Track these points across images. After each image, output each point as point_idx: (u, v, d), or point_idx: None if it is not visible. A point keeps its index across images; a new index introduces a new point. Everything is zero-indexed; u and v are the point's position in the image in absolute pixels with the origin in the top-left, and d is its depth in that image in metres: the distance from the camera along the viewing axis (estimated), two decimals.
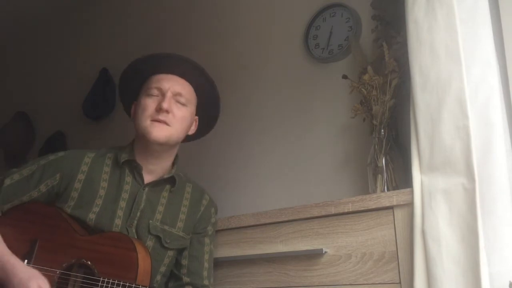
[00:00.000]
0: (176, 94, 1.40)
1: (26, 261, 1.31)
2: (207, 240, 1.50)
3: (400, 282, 1.20)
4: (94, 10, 2.93)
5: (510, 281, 1.06)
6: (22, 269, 1.24)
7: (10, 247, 1.30)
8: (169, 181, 1.46)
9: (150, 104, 1.39)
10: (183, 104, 1.42)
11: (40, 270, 1.28)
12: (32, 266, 1.30)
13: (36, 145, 3.06)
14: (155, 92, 1.40)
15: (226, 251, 1.56)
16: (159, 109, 1.37)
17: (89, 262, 1.29)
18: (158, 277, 1.43)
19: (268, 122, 1.99)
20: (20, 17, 3.17)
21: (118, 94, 1.52)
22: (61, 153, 1.44)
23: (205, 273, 1.45)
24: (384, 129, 1.50)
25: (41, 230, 1.35)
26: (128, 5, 2.74)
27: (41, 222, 1.37)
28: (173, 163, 1.48)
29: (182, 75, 1.44)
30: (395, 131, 1.53)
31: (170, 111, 1.38)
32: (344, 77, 1.63)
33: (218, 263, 1.55)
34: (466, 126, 1.15)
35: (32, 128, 3.15)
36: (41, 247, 1.34)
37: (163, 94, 1.39)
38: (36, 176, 1.38)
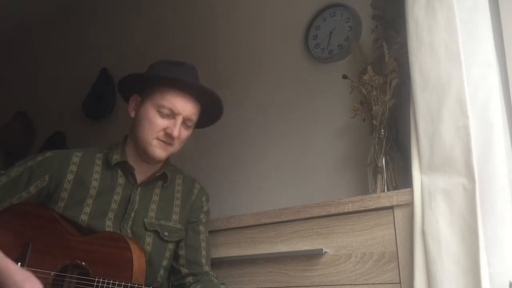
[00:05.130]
0: (186, 120, 1.40)
1: (19, 264, 1.30)
2: (201, 228, 1.51)
3: (400, 282, 1.20)
4: (94, 10, 2.92)
5: (510, 281, 1.06)
6: (16, 272, 1.23)
7: (3, 250, 1.28)
8: (161, 177, 1.47)
9: (159, 123, 1.37)
10: (189, 127, 1.42)
11: (34, 272, 1.27)
12: (26, 269, 1.29)
13: (36, 145, 3.06)
14: (167, 111, 1.37)
15: (226, 251, 1.56)
16: (168, 135, 1.37)
17: (84, 263, 1.29)
18: (161, 272, 1.44)
19: (268, 122, 1.99)
20: (20, 17, 3.16)
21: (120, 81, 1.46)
22: (48, 153, 1.42)
23: (203, 261, 1.46)
24: (384, 129, 1.50)
25: (33, 232, 1.34)
26: (128, 5, 2.74)
27: (34, 224, 1.36)
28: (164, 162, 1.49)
29: (193, 94, 1.40)
30: (395, 131, 1.53)
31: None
32: (344, 77, 1.63)
33: (218, 263, 1.55)
34: (466, 126, 1.15)
35: (32, 128, 3.15)
36: (34, 249, 1.33)
37: (174, 117, 1.37)
38: (24, 178, 1.38)
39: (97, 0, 2.89)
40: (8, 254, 1.28)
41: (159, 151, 1.38)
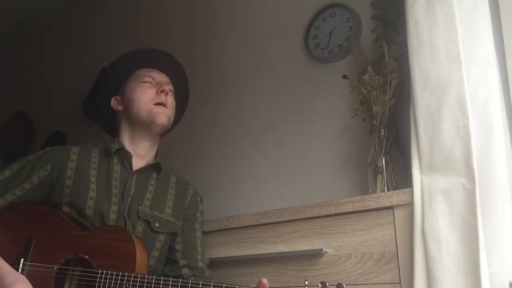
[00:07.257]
0: (166, 85, 1.52)
1: (22, 260, 1.31)
2: (197, 226, 1.55)
3: (400, 282, 1.20)
4: (94, 10, 2.93)
5: (510, 281, 1.06)
6: (8, 273, 1.21)
7: (5, 247, 1.30)
8: (155, 169, 1.53)
9: (148, 90, 1.50)
10: (172, 92, 1.55)
11: (37, 267, 1.28)
12: (29, 264, 1.30)
13: (36, 145, 3.06)
14: (149, 79, 1.52)
15: (226, 251, 1.56)
16: (160, 92, 1.49)
17: (87, 256, 1.29)
18: (152, 262, 1.44)
19: (268, 122, 1.99)
20: (20, 17, 3.17)
21: (103, 89, 1.65)
22: (48, 148, 1.48)
23: (199, 256, 1.50)
24: (384, 129, 1.50)
25: (36, 228, 1.36)
26: (128, 5, 2.74)
27: (36, 221, 1.38)
28: (155, 155, 1.56)
29: (161, 69, 1.57)
30: (395, 131, 1.53)
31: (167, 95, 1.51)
32: (344, 77, 1.63)
33: (218, 263, 1.56)
34: (466, 126, 1.15)
35: (32, 128, 3.15)
36: (37, 245, 1.34)
37: (156, 82, 1.52)
38: (26, 169, 1.41)
39: (97, 0, 2.89)
40: (11, 250, 1.30)
41: (161, 115, 1.48)
